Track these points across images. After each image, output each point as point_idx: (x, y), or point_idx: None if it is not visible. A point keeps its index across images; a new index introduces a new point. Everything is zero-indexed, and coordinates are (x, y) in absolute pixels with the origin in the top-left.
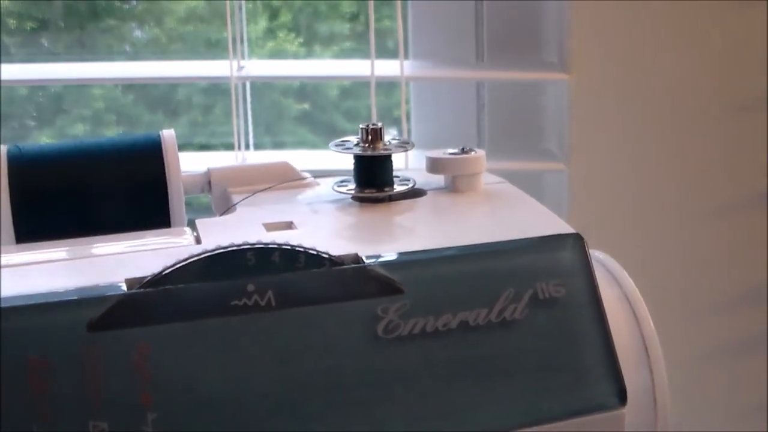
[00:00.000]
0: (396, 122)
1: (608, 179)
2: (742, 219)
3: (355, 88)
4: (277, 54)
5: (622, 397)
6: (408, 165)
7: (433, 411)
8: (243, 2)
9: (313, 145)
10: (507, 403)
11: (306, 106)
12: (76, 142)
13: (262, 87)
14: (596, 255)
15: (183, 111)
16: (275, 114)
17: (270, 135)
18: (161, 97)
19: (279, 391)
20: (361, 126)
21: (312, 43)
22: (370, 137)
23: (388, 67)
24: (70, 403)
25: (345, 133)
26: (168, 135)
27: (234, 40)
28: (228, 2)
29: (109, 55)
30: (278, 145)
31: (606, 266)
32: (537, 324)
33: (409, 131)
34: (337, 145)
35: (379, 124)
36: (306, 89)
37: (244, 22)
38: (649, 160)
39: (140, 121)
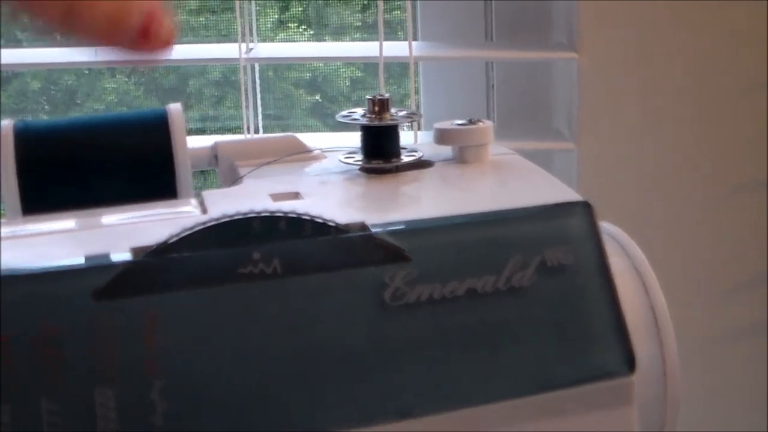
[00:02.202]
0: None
1: (617, 159)
2: (754, 200)
3: (366, 78)
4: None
5: (630, 365)
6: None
7: (441, 378)
8: None
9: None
10: (515, 370)
11: (317, 97)
12: (83, 116)
13: (273, 78)
14: (605, 227)
15: (194, 103)
16: (287, 105)
17: (281, 125)
18: (172, 89)
19: (286, 358)
20: (367, 97)
21: (322, 34)
22: (377, 108)
23: (396, 49)
24: (76, 371)
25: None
26: (174, 108)
27: (243, 24)
28: None
29: None
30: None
31: (615, 238)
32: (545, 291)
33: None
34: (344, 117)
35: (387, 95)
36: (317, 80)
37: (254, 7)
38: (659, 140)
39: None
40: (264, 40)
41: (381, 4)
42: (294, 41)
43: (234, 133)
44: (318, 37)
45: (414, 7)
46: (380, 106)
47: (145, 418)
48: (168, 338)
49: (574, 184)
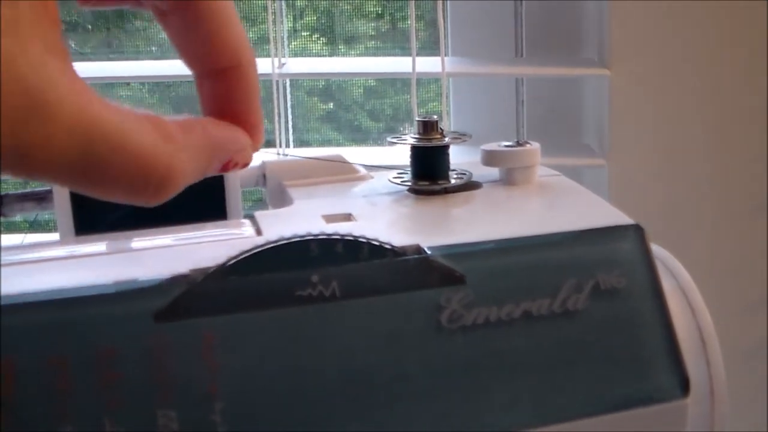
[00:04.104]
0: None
1: (648, 175)
2: None
3: (379, 87)
4: (302, 53)
5: (684, 388)
6: None
7: (495, 401)
8: (282, 2)
9: (337, 143)
10: (570, 393)
11: (331, 105)
12: None
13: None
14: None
15: None
16: (300, 113)
17: (295, 132)
18: (187, 97)
19: (344, 380)
20: (417, 119)
21: (336, 43)
22: (426, 129)
23: (428, 64)
24: (138, 392)
25: (369, 131)
26: None
27: (276, 40)
28: (270, 2)
29: (136, 55)
30: (304, 143)
31: (660, 258)
32: (599, 314)
33: (448, 128)
34: (394, 138)
35: (435, 117)
36: (331, 89)
37: (285, 21)
38: (690, 156)
39: None
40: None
41: (413, 20)
42: (307, 50)
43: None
44: (332, 46)
45: (445, 23)
46: (430, 127)
47: None
48: (227, 360)
49: (604, 200)
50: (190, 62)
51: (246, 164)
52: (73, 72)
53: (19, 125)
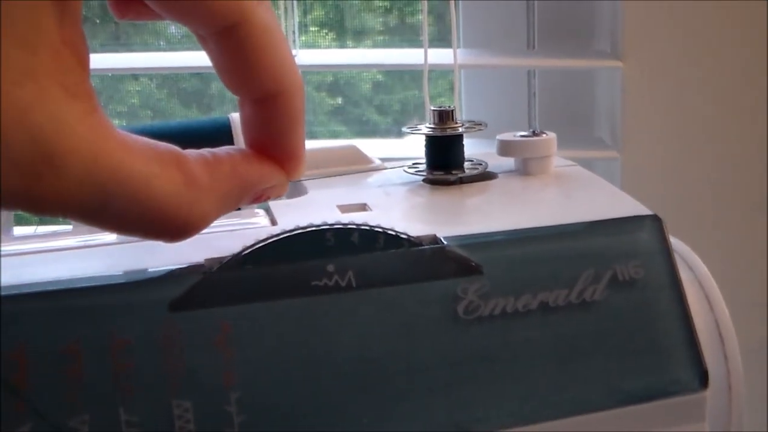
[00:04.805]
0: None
1: (661, 167)
2: None
3: (388, 82)
4: (310, 48)
5: (703, 380)
6: None
7: (513, 392)
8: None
9: (346, 138)
10: (587, 385)
11: (339, 100)
12: (146, 126)
13: None
14: None
15: (217, 105)
16: (309, 108)
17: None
18: (195, 92)
19: (359, 371)
20: (432, 108)
21: (344, 38)
22: (441, 118)
23: (440, 56)
24: (153, 382)
25: (377, 125)
26: (236, 118)
27: (287, 31)
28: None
29: (145, 48)
30: (313, 137)
31: (678, 251)
32: (617, 305)
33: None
34: (409, 128)
35: (450, 106)
36: (339, 84)
37: (296, 16)
38: (703, 148)
39: (175, 117)
40: None
41: (425, 10)
42: (316, 45)
43: None
44: (340, 41)
45: (457, 15)
46: (445, 117)
47: (222, 430)
48: (242, 350)
49: None
50: (231, 88)
51: (279, 196)
52: (97, 115)
53: (30, 175)
